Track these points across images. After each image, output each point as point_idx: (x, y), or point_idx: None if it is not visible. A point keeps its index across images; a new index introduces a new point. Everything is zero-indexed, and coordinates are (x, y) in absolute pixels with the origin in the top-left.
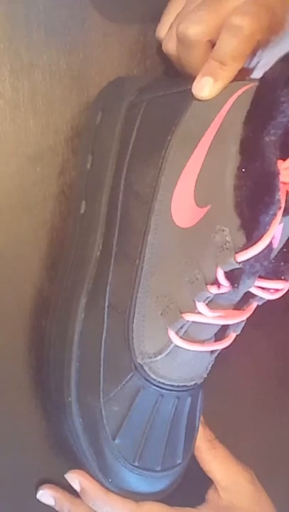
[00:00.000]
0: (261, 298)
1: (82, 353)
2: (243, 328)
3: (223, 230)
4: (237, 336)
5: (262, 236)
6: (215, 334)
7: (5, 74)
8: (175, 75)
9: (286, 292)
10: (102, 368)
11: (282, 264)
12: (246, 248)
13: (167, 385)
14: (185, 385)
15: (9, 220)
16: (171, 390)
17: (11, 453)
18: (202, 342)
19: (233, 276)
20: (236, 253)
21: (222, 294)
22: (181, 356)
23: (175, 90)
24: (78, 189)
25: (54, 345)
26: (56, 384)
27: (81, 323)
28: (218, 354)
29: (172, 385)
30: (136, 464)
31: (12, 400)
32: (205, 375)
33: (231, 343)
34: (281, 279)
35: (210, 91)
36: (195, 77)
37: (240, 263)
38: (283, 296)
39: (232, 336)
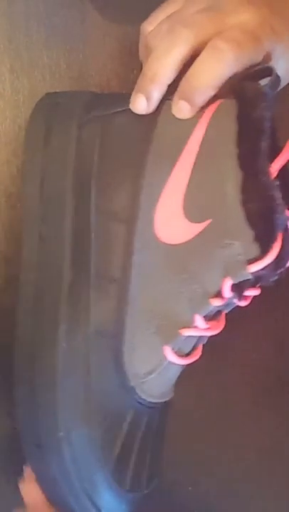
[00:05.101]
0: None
1: (69, 385)
2: (244, 327)
3: (233, 244)
4: (237, 335)
5: (273, 246)
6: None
7: (5, 74)
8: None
9: (286, 291)
10: (93, 397)
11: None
12: (260, 259)
13: (153, 403)
14: (165, 401)
15: (9, 220)
16: (155, 408)
17: None
18: (187, 355)
19: (240, 288)
20: (249, 264)
21: (221, 306)
22: (169, 373)
23: None
24: (31, 213)
25: (37, 381)
26: (44, 421)
27: (65, 353)
28: (218, 354)
29: (156, 402)
30: (128, 487)
31: None
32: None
33: (232, 342)
34: (257, 286)
35: (189, 114)
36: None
37: (252, 273)
38: (284, 295)
39: (200, 347)
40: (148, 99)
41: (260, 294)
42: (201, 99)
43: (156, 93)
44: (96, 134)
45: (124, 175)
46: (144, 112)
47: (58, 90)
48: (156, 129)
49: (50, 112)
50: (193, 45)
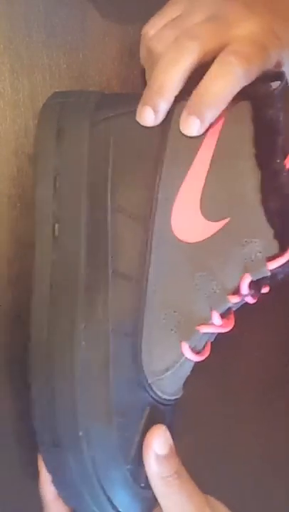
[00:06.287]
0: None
1: (88, 384)
2: (248, 325)
3: (253, 242)
4: (241, 333)
5: None
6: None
7: (5, 74)
8: None
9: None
10: (111, 395)
11: None
12: (279, 256)
13: (168, 399)
14: (176, 398)
15: (9, 220)
16: (169, 405)
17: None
18: (200, 352)
19: (257, 285)
20: (268, 261)
21: (238, 302)
22: (183, 370)
23: None
24: (44, 212)
25: (55, 380)
26: (63, 420)
27: (83, 352)
28: (222, 351)
29: (170, 399)
30: (143, 484)
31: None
32: None
33: (236, 340)
34: (268, 284)
35: (198, 131)
36: None
37: (271, 270)
38: (285, 297)
39: (209, 344)
40: (155, 111)
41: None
42: (212, 113)
43: (164, 105)
44: (109, 134)
45: (140, 174)
46: (151, 124)
47: (58, 90)
48: (171, 128)
49: (62, 111)
50: (199, 57)
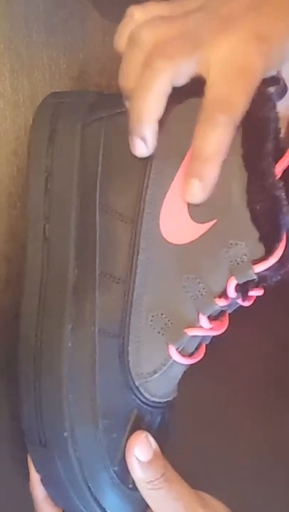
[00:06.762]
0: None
1: (74, 385)
2: (245, 327)
3: (238, 244)
4: (239, 335)
5: (277, 246)
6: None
7: (5, 74)
8: None
9: (287, 291)
10: (98, 397)
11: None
12: (264, 259)
13: (157, 402)
14: (168, 400)
15: (9, 220)
16: (159, 407)
17: None
18: (191, 355)
19: (244, 288)
20: (254, 265)
21: (226, 306)
22: (173, 372)
23: None
24: (36, 212)
25: (42, 381)
26: (50, 421)
27: (70, 353)
28: (219, 353)
29: (160, 402)
30: (130, 486)
31: None
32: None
33: (234, 342)
34: (261, 286)
35: (202, 195)
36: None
37: (257, 274)
38: (285, 295)
39: (204, 347)
40: (144, 140)
41: (261, 294)
42: (212, 172)
43: (149, 134)
44: (100, 134)
45: (129, 175)
46: (146, 154)
47: (58, 90)
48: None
49: (55, 112)
50: (173, 75)
